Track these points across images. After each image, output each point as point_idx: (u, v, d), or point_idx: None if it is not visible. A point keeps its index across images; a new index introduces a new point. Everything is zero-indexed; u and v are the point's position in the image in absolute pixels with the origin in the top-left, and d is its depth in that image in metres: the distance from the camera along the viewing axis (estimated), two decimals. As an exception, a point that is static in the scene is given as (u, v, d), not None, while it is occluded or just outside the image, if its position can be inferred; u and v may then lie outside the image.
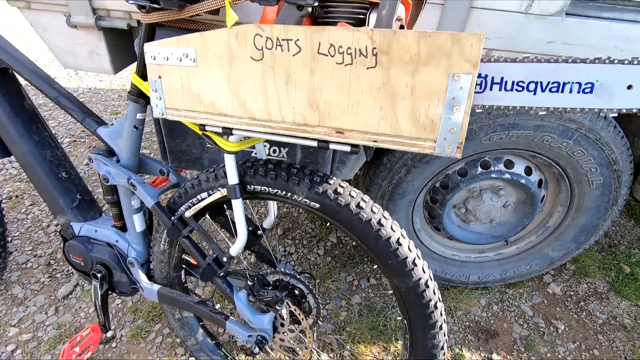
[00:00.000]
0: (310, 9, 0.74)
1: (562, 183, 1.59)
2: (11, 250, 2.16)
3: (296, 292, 1.20)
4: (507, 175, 1.53)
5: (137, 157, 1.25)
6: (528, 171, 1.57)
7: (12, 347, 1.68)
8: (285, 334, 1.24)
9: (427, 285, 1.00)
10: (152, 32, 1.03)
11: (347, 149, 0.81)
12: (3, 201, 2.51)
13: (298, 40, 0.72)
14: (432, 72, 0.66)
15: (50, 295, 1.92)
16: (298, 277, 1.20)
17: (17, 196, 2.57)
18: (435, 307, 1.02)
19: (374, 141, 0.75)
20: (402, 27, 0.84)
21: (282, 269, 1.21)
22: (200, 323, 1.54)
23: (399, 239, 0.97)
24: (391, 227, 0.98)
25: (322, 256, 2.22)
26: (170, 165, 1.55)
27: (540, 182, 1.60)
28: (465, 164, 1.55)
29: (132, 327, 1.78)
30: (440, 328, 1.05)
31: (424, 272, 1.00)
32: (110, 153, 1.24)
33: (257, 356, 1.67)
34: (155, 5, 0.91)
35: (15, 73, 1.23)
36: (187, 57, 0.83)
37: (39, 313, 1.83)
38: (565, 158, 1.44)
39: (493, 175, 1.53)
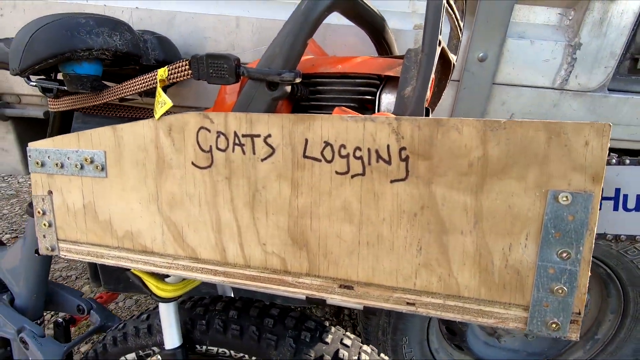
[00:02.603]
0: (288, 88, 0.46)
1: (610, 285, 1.28)
2: None
3: None
4: (543, 280, 1.21)
5: (42, 292, 0.86)
6: (566, 271, 1.26)
7: None
8: None
9: None
10: (65, 124, 0.73)
11: (360, 307, 0.47)
12: None
13: (270, 136, 0.43)
14: (513, 188, 0.37)
15: None
16: None
17: None
18: None
19: (410, 304, 0.42)
20: (427, 110, 0.57)
21: None
22: None
23: None
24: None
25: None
26: (105, 288, 1.16)
27: (582, 285, 1.29)
28: (489, 266, 1.23)
29: None
30: None
31: None
32: (2, 288, 0.85)
33: None
34: (65, 88, 0.62)
35: None
36: (91, 163, 0.51)
37: None
38: (615, 257, 1.15)
39: (526, 280, 1.21)
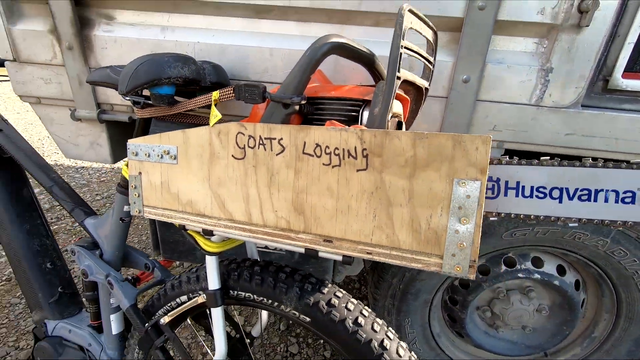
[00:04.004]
0: (297, 107, 0.69)
1: (603, 285, 1.37)
2: (-8, 341, 1.99)
3: None
4: (536, 275, 1.33)
5: (122, 251, 1.15)
6: (561, 270, 1.37)
7: None
8: None
9: None
10: (146, 126, 1.01)
11: (339, 258, 0.68)
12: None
13: (282, 139, 0.66)
14: (433, 177, 0.57)
15: (18, 399, 1.70)
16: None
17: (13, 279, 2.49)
18: None
19: (368, 253, 0.63)
20: (400, 123, 0.77)
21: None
22: None
23: (407, 367, 0.78)
24: (397, 350, 0.80)
25: (329, 360, 1.94)
26: (163, 257, 1.45)
27: (577, 284, 1.39)
28: (486, 260, 1.37)
29: None
30: None
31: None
32: (94, 246, 1.16)
33: None
34: (149, 102, 0.90)
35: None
36: (168, 154, 0.77)
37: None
38: (603, 258, 1.25)
39: (520, 275, 1.34)
